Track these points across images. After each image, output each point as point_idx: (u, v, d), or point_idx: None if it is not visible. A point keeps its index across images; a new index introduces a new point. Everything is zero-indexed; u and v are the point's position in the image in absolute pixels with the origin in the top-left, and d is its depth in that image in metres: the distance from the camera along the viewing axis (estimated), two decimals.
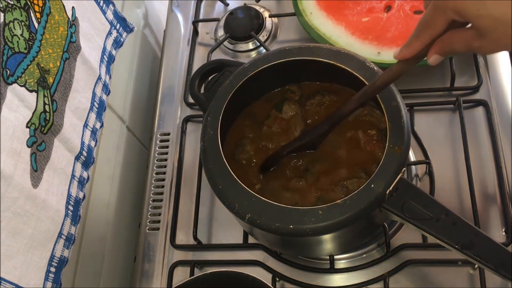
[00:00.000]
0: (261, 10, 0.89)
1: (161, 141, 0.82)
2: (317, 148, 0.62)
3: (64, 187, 0.59)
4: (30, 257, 0.52)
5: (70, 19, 0.61)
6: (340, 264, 0.68)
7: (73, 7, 0.62)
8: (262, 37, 0.87)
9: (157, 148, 0.81)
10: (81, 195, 0.63)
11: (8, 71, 0.48)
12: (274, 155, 0.63)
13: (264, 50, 0.84)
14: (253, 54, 0.87)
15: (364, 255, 0.68)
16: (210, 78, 0.68)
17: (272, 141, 0.65)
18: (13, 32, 0.49)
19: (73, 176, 0.61)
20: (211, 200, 0.75)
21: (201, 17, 0.93)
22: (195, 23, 0.91)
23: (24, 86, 0.51)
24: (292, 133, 0.65)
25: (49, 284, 0.56)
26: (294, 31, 0.87)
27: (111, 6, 0.71)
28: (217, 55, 0.87)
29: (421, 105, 0.75)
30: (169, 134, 0.82)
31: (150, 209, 0.76)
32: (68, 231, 0.59)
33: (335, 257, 0.68)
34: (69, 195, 0.60)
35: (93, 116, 0.66)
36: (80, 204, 0.63)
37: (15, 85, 0.49)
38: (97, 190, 0.72)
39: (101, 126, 0.69)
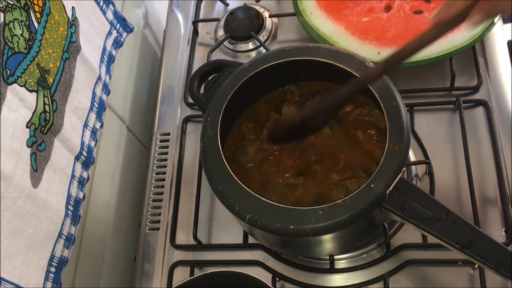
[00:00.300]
0: (261, 10, 0.89)
1: (161, 141, 0.82)
2: (326, 125, 0.61)
3: (64, 187, 0.59)
4: (30, 257, 0.52)
5: (70, 19, 0.61)
6: (340, 264, 0.68)
7: (73, 7, 0.62)
8: (262, 37, 0.87)
9: (157, 148, 0.81)
10: (81, 195, 0.63)
11: (8, 71, 0.48)
12: (288, 125, 0.61)
13: (264, 50, 0.84)
14: (253, 54, 0.87)
15: (364, 255, 0.68)
16: (209, 78, 0.68)
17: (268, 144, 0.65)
18: (13, 32, 0.49)
19: (73, 176, 0.61)
20: (211, 200, 0.75)
21: (201, 17, 0.93)
22: (195, 23, 0.91)
23: (24, 86, 0.51)
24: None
25: (49, 284, 0.56)
26: (294, 31, 0.87)
27: (111, 6, 0.71)
28: (217, 55, 0.87)
29: (421, 105, 0.75)
30: (169, 134, 0.82)
31: (150, 209, 0.76)
32: (68, 231, 0.59)
33: (335, 257, 0.68)
34: (69, 195, 0.60)
35: (93, 116, 0.66)
36: (80, 204, 0.63)
37: (15, 85, 0.49)
38: (97, 190, 0.72)
39: (101, 126, 0.69)
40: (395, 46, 0.75)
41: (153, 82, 0.93)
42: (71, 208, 0.60)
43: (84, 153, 0.63)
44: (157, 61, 0.92)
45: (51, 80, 0.56)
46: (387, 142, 0.55)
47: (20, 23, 0.51)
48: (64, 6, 0.59)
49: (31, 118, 0.52)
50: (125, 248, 0.80)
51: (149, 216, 0.76)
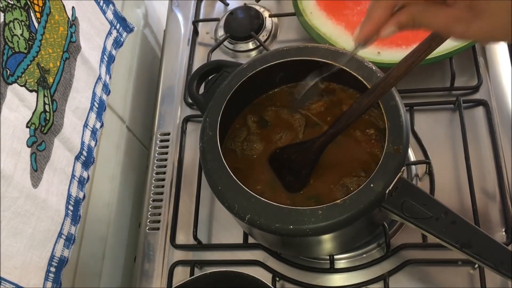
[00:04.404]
0: (261, 10, 0.89)
1: (161, 141, 0.82)
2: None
3: (64, 187, 0.59)
4: (30, 257, 0.52)
5: (70, 19, 0.61)
6: (340, 264, 0.68)
7: (73, 7, 0.62)
8: (262, 37, 0.87)
9: (157, 148, 0.81)
10: (81, 195, 0.63)
11: (8, 71, 0.48)
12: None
13: (264, 50, 0.84)
14: (253, 54, 0.87)
15: (364, 255, 0.68)
16: (209, 78, 0.68)
17: (275, 143, 0.65)
18: (13, 32, 0.49)
19: (73, 176, 0.61)
20: (211, 200, 0.75)
21: (201, 17, 0.93)
22: (195, 23, 0.91)
23: (24, 86, 0.51)
24: (297, 135, 0.64)
25: (49, 284, 0.56)
26: (294, 31, 0.87)
27: (111, 6, 0.71)
28: (217, 55, 0.87)
29: (421, 105, 0.75)
30: (169, 134, 0.82)
31: (150, 209, 0.76)
32: (68, 231, 0.59)
33: (335, 257, 0.68)
34: (69, 195, 0.60)
35: (93, 116, 0.66)
36: (80, 204, 0.63)
37: (15, 85, 0.49)
38: (97, 190, 0.72)
39: (101, 126, 0.69)
40: (395, 46, 0.75)
41: (153, 82, 0.93)
42: (71, 208, 0.60)
43: (84, 153, 0.63)
44: (157, 61, 0.92)
45: (51, 80, 0.56)
46: (386, 142, 0.55)
47: (20, 23, 0.51)
48: (64, 6, 0.59)
49: (31, 118, 0.52)
50: (125, 248, 0.80)
51: (149, 216, 0.76)
